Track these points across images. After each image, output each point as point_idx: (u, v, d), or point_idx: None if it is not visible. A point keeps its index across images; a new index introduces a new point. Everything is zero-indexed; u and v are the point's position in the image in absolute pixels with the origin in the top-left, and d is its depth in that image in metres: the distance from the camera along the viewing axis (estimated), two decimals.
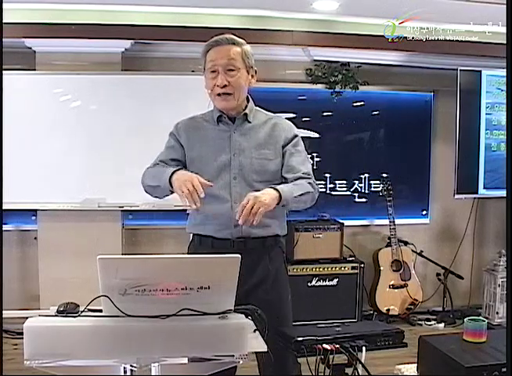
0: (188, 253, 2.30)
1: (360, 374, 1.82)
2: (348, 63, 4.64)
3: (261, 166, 2.16)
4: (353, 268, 4.43)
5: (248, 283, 2.11)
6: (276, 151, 2.20)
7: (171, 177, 2.05)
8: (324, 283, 4.35)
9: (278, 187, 2.03)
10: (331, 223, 4.45)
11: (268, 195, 1.97)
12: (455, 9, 3.71)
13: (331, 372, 1.82)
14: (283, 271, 2.27)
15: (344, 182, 4.77)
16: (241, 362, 1.55)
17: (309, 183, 2.16)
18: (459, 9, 3.70)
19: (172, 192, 2.10)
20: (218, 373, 1.63)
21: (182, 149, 2.24)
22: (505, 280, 4.50)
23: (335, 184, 4.75)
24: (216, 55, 2.12)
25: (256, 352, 1.71)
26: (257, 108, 2.28)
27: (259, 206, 1.91)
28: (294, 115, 4.39)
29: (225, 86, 2.11)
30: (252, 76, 2.20)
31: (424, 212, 5.01)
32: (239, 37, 2.19)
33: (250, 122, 2.21)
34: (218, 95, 2.14)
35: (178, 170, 2.08)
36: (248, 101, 2.24)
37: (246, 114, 2.20)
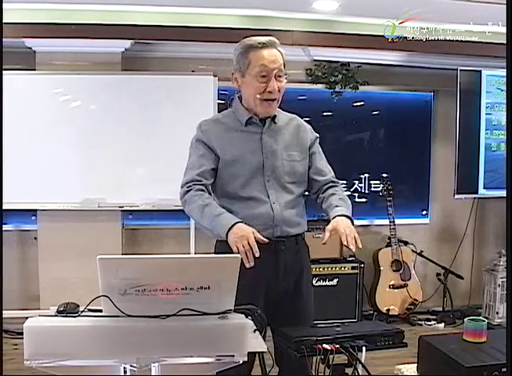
0: (216, 253, 2.26)
1: (360, 374, 1.82)
2: (348, 63, 4.64)
3: (290, 167, 2.20)
4: (353, 268, 4.44)
5: (286, 282, 2.19)
6: (303, 152, 2.24)
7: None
8: (324, 283, 4.35)
9: (347, 213, 2.16)
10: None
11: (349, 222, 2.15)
12: (455, 9, 3.71)
13: (331, 372, 1.82)
14: (310, 267, 2.35)
15: (344, 182, 4.76)
16: (241, 361, 1.55)
17: (341, 189, 2.29)
18: (459, 9, 3.70)
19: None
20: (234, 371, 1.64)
21: (213, 154, 2.17)
22: (505, 280, 4.50)
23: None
24: (266, 59, 2.09)
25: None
26: (277, 109, 2.29)
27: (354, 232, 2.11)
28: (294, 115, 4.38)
29: (273, 92, 2.12)
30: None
31: (424, 212, 5.01)
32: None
33: (276, 123, 2.23)
34: (266, 100, 2.13)
35: (236, 223, 1.98)
36: None
37: (275, 116, 2.22)
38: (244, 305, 1.63)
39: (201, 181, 2.13)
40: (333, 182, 2.28)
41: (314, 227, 4.37)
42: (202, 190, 2.12)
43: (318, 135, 2.35)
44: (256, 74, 2.10)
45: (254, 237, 1.92)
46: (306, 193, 2.32)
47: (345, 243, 2.05)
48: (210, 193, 2.15)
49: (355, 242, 2.07)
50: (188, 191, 2.11)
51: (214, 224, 2.01)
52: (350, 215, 2.16)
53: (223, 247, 2.10)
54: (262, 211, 2.13)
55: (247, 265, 1.87)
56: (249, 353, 1.54)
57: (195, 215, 2.10)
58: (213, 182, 2.20)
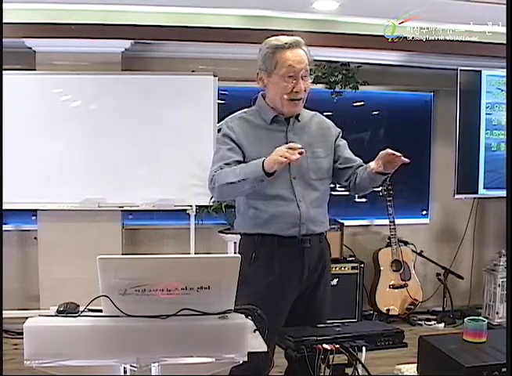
0: (240, 253, 2.25)
1: (360, 374, 1.82)
2: (348, 63, 4.64)
3: (315, 164, 2.23)
4: (353, 268, 4.43)
5: (309, 280, 2.23)
6: (327, 149, 2.28)
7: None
8: None
9: None
10: (331, 223, 4.40)
11: None
12: (455, 9, 3.71)
13: (331, 372, 1.82)
14: (330, 265, 2.38)
15: None
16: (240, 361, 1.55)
17: None
18: (459, 9, 3.69)
19: (259, 181, 2.02)
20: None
21: (240, 149, 2.19)
22: (505, 280, 4.50)
23: (335, 184, 4.73)
24: (294, 59, 2.12)
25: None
26: None
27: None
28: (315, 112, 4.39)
29: (300, 92, 2.15)
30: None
31: (424, 212, 5.01)
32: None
33: (299, 121, 2.26)
34: (292, 99, 2.16)
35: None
36: None
37: (299, 114, 2.25)
38: (244, 306, 1.63)
39: (230, 165, 2.13)
40: (362, 165, 2.30)
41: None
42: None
43: (340, 129, 2.38)
44: (283, 74, 2.13)
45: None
46: (331, 189, 2.36)
47: (402, 159, 2.07)
48: None
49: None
50: (214, 175, 2.13)
51: (247, 170, 2.02)
52: None
53: (248, 242, 2.20)
54: (289, 209, 2.16)
55: (293, 158, 1.91)
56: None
57: (226, 179, 2.07)
58: None
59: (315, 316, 2.22)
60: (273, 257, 2.17)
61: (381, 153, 2.10)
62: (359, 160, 2.33)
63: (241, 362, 1.55)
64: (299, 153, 1.94)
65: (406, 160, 2.07)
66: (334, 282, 4.36)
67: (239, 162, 2.16)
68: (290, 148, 1.94)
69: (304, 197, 2.18)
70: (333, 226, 4.42)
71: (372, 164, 2.11)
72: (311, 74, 4.94)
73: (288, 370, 2.27)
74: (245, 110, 2.32)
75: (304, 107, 2.31)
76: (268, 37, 2.22)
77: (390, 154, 2.08)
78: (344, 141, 2.38)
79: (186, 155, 4.12)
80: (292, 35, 2.19)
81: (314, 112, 2.37)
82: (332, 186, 5.24)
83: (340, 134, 2.37)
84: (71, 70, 4.12)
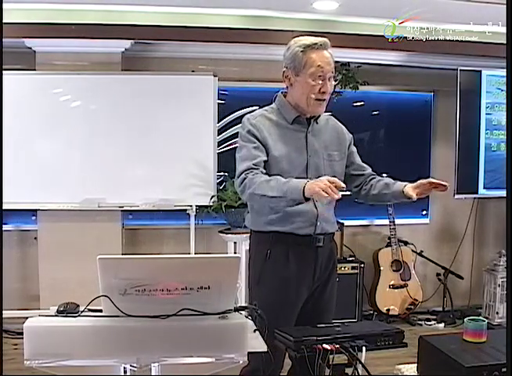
0: (253, 251, 2.27)
1: (360, 374, 1.82)
2: (348, 63, 4.64)
3: (330, 167, 2.26)
4: (353, 268, 4.43)
5: (321, 279, 2.26)
6: (341, 153, 2.31)
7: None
8: None
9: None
10: None
11: None
12: (455, 9, 3.71)
13: (331, 372, 1.82)
14: (337, 264, 2.42)
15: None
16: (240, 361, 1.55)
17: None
18: (459, 9, 3.69)
19: (294, 202, 2.03)
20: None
21: (264, 146, 2.19)
22: (505, 280, 4.50)
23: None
24: (323, 60, 2.14)
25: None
26: None
27: None
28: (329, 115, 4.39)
29: (327, 92, 2.17)
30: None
31: (424, 212, 5.01)
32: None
33: (317, 123, 2.28)
34: (318, 99, 2.18)
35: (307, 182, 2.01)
36: None
37: (319, 115, 2.27)
38: (246, 305, 1.63)
39: (258, 169, 2.13)
40: (374, 174, 2.40)
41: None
42: (258, 173, 2.12)
43: (351, 135, 2.42)
44: (312, 73, 2.14)
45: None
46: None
47: (441, 183, 2.11)
48: None
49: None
50: (246, 177, 2.11)
51: (286, 189, 2.01)
52: None
53: (262, 239, 2.21)
54: (307, 208, 2.17)
55: (335, 197, 1.90)
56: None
57: (261, 191, 2.06)
58: None
59: (324, 314, 2.26)
60: (288, 255, 2.19)
61: (423, 182, 2.14)
62: (370, 169, 2.41)
63: (241, 362, 1.55)
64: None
65: (446, 187, 2.12)
66: None
67: (265, 161, 2.16)
68: (333, 183, 1.91)
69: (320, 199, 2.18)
70: None
71: (408, 190, 2.14)
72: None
73: (291, 370, 2.27)
74: (265, 108, 2.32)
75: None
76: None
77: (433, 184, 2.12)
78: (355, 147, 2.42)
79: (186, 155, 4.12)
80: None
81: (328, 115, 2.39)
82: None
83: (353, 140, 2.41)
84: (71, 70, 4.12)
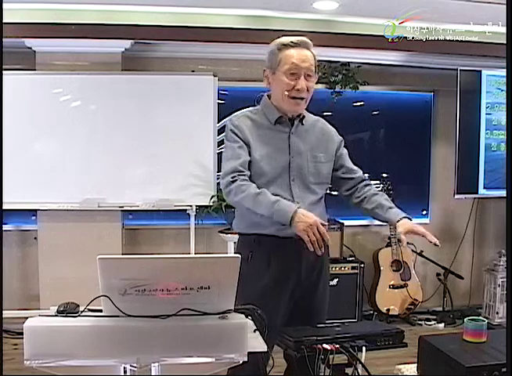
0: (238, 253, 2.26)
1: (360, 374, 1.82)
2: (348, 63, 4.64)
3: (315, 169, 2.23)
4: (353, 268, 4.43)
5: (308, 281, 2.23)
6: (328, 155, 2.28)
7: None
8: None
9: (406, 215, 2.18)
10: (331, 223, 4.44)
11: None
12: (455, 9, 3.71)
13: (331, 372, 1.82)
14: (329, 266, 2.38)
15: None
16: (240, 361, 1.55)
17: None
18: (459, 9, 3.70)
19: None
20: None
21: (247, 146, 2.19)
22: (505, 280, 4.50)
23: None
24: (298, 58, 2.13)
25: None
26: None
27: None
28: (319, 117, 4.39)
29: (302, 91, 2.14)
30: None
31: (424, 212, 5.01)
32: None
33: (303, 124, 2.26)
34: (293, 98, 2.16)
35: (297, 209, 2.03)
36: None
37: (304, 116, 2.25)
38: (244, 306, 1.63)
39: (243, 172, 2.14)
40: (365, 180, 2.35)
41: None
42: (247, 181, 2.13)
43: (342, 137, 2.39)
44: (286, 70, 2.14)
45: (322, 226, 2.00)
46: (334, 192, 2.36)
47: (432, 240, 2.08)
48: None
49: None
50: (233, 181, 2.11)
51: (273, 210, 2.03)
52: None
53: (245, 242, 2.21)
54: None
55: (319, 253, 1.97)
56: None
57: (248, 204, 2.09)
58: None
59: (315, 316, 2.23)
60: (270, 257, 2.17)
61: (417, 232, 2.10)
62: (360, 172, 2.36)
63: (241, 362, 1.55)
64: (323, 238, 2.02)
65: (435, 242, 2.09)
66: (334, 282, 4.37)
67: (249, 161, 2.16)
68: (323, 234, 1.98)
69: (302, 199, 2.18)
70: (333, 226, 4.42)
71: (401, 233, 2.11)
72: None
73: (287, 371, 2.27)
74: (250, 108, 2.33)
75: (308, 111, 2.31)
76: (269, 37, 2.23)
77: (421, 234, 2.10)
78: (346, 150, 2.39)
79: (186, 155, 4.12)
80: (269, 35, 2.21)
81: (317, 117, 2.38)
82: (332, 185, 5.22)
83: (343, 142, 2.38)
84: (71, 70, 4.12)
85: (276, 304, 2.17)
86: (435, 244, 2.08)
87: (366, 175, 5.10)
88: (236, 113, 2.30)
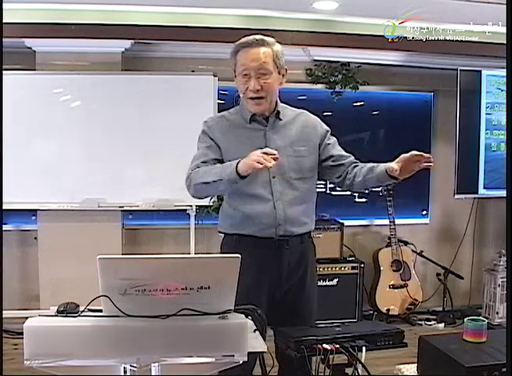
0: (222, 252, 2.27)
1: (360, 374, 1.82)
2: (348, 63, 4.64)
3: (296, 164, 2.20)
4: (353, 268, 4.43)
5: (290, 282, 2.20)
6: (311, 148, 2.24)
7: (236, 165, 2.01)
8: (324, 283, 4.34)
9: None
10: (331, 223, 4.45)
11: None
12: (455, 9, 3.71)
13: (331, 372, 1.82)
14: (315, 267, 2.36)
15: None
16: (241, 361, 1.55)
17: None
18: (459, 9, 3.69)
19: (234, 183, 2.02)
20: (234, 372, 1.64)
21: (218, 148, 2.21)
22: (505, 280, 4.50)
23: (335, 184, 4.74)
24: (247, 58, 2.11)
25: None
26: (283, 104, 2.31)
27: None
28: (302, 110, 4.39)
29: (257, 90, 2.12)
30: (283, 75, 2.21)
31: (424, 212, 5.01)
32: (269, 36, 2.17)
33: (281, 119, 2.24)
34: (251, 98, 2.15)
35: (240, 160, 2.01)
36: (277, 98, 2.25)
37: (278, 112, 2.23)
38: (245, 305, 1.63)
39: (206, 164, 2.16)
40: (354, 162, 2.28)
41: (314, 227, 4.37)
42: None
43: (328, 128, 2.35)
44: (239, 73, 2.14)
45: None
46: (331, 189, 2.33)
47: (423, 156, 2.03)
48: None
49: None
50: (191, 173, 2.16)
51: (219, 170, 2.04)
52: None
53: (227, 241, 2.20)
54: (265, 209, 2.14)
55: (269, 165, 1.90)
56: (250, 353, 1.54)
57: (201, 179, 2.11)
58: None
59: (300, 318, 2.19)
60: (250, 258, 2.14)
61: (404, 155, 2.05)
62: (351, 157, 2.30)
63: (241, 362, 1.54)
64: (274, 159, 1.94)
65: (431, 163, 2.05)
66: (334, 282, 4.38)
67: (217, 160, 2.18)
68: (266, 153, 1.93)
69: (282, 196, 2.15)
70: (333, 226, 4.42)
71: (392, 165, 2.04)
72: (311, 76, 4.94)
73: (280, 372, 2.24)
74: (230, 109, 2.33)
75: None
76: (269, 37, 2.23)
77: (415, 155, 2.04)
78: (334, 139, 2.34)
79: (186, 155, 4.11)
80: (269, 35, 2.19)
81: (301, 110, 2.34)
82: (332, 186, 5.26)
83: (329, 132, 2.33)
84: (71, 70, 4.12)
85: (257, 304, 2.14)
86: (427, 158, 2.01)
87: None
88: (213, 115, 2.33)
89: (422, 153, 2.01)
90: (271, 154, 1.92)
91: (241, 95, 2.19)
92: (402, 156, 2.03)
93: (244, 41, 2.14)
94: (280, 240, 2.15)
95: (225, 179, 2.02)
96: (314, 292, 2.30)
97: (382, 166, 2.11)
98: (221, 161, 2.19)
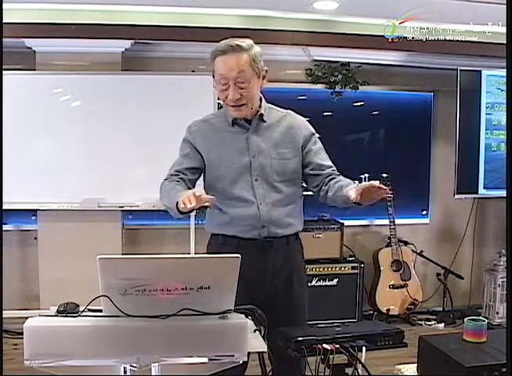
0: (208, 252, 2.27)
1: (360, 374, 1.82)
2: (348, 63, 4.64)
3: (280, 166, 2.17)
4: (353, 268, 4.43)
5: (275, 282, 2.18)
6: (295, 150, 2.21)
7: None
8: (324, 283, 4.35)
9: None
10: (331, 223, 4.45)
11: None
12: (455, 9, 3.71)
13: (331, 372, 1.82)
14: (303, 268, 2.33)
15: None
16: (240, 361, 1.55)
17: (344, 179, 2.19)
18: (459, 9, 3.69)
19: (183, 213, 1.97)
20: (226, 372, 1.63)
21: (199, 154, 2.20)
22: (505, 280, 4.50)
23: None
24: (224, 67, 2.08)
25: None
26: (269, 105, 2.28)
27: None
28: (288, 111, 4.39)
29: (237, 99, 2.10)
30: (263, 77, 2.18)
31: (424, 212, 5.01)
32: (244, 37, 2.15)
33: (265, 121, 2.21)
34: (232, 106, 2.13)
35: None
36: (261, 100, 2.22)
37: (261, 114, 2.20)
38: (244, 306, 1.63)
39: (178, 175, 2.16)
40: (334, 174, 2.22)
41: (314, 227, 4.38)
42: (177, 181, 2.14)
43: (313, 130, 2.30)
44: (217, 81, 2.13)
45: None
46: (305, 191, 2.31)
47: (380, 189, 1.91)
48: (188, 187, 2.13)
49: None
50: (162, 184, 2.18)
51: (169, 200, 2.02)
52: None
53: (213, 242, 2.20)
54: (249, 211, 2.12)
55: (188, 206, 1.83)
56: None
57: (161, 198, 2.13)
58: (204, 182, 2.24)
59: (288, 320, 2.15)
60: None
61: (364, 184, 1.93)
62: (330, 168, 2.24)
63: (241, 362, 1.54)
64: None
65: (386, 195, 1.94)
66: (334, 282, 4.38)
67: (193, 169, 2.18)
68: (195, 195, 1.85)
69: (265, 198, 2.13)
70: (333, 226, 4.43)
71: (351, 194, 1.95)
72: (311, 76, 4.94)
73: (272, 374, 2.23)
74: (215, 112, 2.34)
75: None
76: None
77: (373, 187, 1.90)
78: (318, 144, 2.28)
79: None
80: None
81: (287, 111, 2.31)
82: None
83: (314, 136, 2.28)
84: (71, 70, 4.12)
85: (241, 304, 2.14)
86: (383, 190, 1.90)
87: (366, 175, 5.13)
88: (197, 119, 2.29)
89: (380, 185, 1.90)
90: (199, 197, 1.85)
91: (221, 102, 2.18)
92: (362, 184, 1.94)
93: (220, 47, 2.10)
94: (264, 242, 2.14)
95: (171, 210, 2.02)
96: (302, 294, 2.28)
97: (347, 189, 2.03)
98: (197, 169, 2.19)
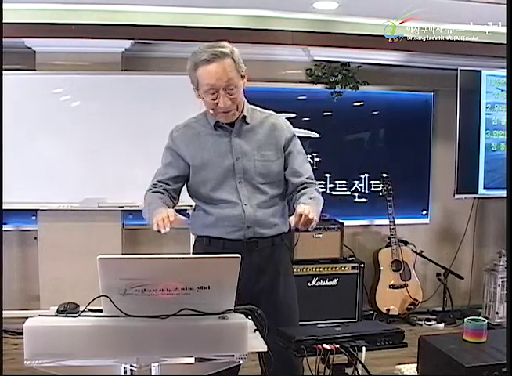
0: (194, 253, 2.27)
1: (360, 374, 1.82)
2: (348, 63, 4.64)
3: (264, 168, 2.16)
4: (353, 268, 4.43)
5: (261, 283, 2.17)
6: (278, 151, 2.20)
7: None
8: (324, 283, 4.35)
9: (309, 202, 2.02)
10: (331, 223, 4.45)
11: (316, 213, 1.98)
12: (455, 9, 3.71)
13: (331, 372, 1.82)
14: (290, 268, 2.31)
15: (344, 182, 4.77)
16: (241, 362, 1.55)
17: (316, 190, 2.19)
18: (459, 9, 3.69)
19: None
20: (220, 373, 1.63)
21: (182, 160, 2.20)
22: (505, 280, 4.50)
23: (335, 184, 4.75)
24: (212, 76, 2.05)
25: (259, 353, 1.73)
26: (252, 106, 2.26)
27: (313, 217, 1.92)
28: (294, 115, 4.39)
29: (228, 106, 2.08)
30: (244, 77, 2.14)
31: (424, 212, 5.01)
32: (223, 41, 2.15)
33: (248, 123, 2.19)
34: (222, 112, 2.11)
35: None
36: (244, 102, 2.21)
37: (244, 116, 2.18)
38: (244, 306, 1.63)
39: (162, 186, 2.19)
40: (307, 183, 2.20)
41: (314, 227, 4.37)
42: (160, 192, 2.17)
43: (294, 132, 2.29)
44: (205, 91, 2.09)
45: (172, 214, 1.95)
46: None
47: (296, 220, 1.92)
48: (171, 196, 2.20)
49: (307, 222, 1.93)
50: (145, 195, 2.18)
51: (150, 214, 2.03)
52: (314, 206, 2.04)
53: (198, 243, 2.25)
54: (233, 212, 2.12)
55: (162, 231, 1.90)
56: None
57: (144, 210, 2.15)
58: (187, 186, 2.25)
59: (276, 320, 2.10)
60: None
61: (297, 211, 1.94)
62: (303, 177, 2.20)
63: (241, 362, 1.54)
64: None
65: (311, 224, 1.95)
66: (334, 282, 4.38)
67: (176, 177, 2.20)
68: (169, 219, 1.90)
69: (250, 200, 2.13)
70: (333, 226, 4.43)
71: (291, 218, 2.02)
72: (311, 76, 4.94)
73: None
74: (196, 115, 2.31)
75: (280, 110, 2.28)
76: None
77: (299, 215, 1.92)
78: (299, 147, 2.26)
79: None
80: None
81: (269, 112, 2.29)
82: (332, 186, 5.25)
83: (295, 137, 2.25)
84: (71, 70, 4.12)
85: None
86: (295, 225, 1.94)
87: (366, 175, 5.13)
88: (179, 123, 2.29)
89: (304, 215, 1.91)
90: (170, 218, 1.90)
91: (209, 111, 2.15)
92: (296, 211, 1.95)
93: (202, 56, 2.07)
94: (250, 243, 2.13)
95: (151, 224, 2.01)
96: (290, 294, 2.26)
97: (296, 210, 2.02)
98: (181, 177, 2.21)
